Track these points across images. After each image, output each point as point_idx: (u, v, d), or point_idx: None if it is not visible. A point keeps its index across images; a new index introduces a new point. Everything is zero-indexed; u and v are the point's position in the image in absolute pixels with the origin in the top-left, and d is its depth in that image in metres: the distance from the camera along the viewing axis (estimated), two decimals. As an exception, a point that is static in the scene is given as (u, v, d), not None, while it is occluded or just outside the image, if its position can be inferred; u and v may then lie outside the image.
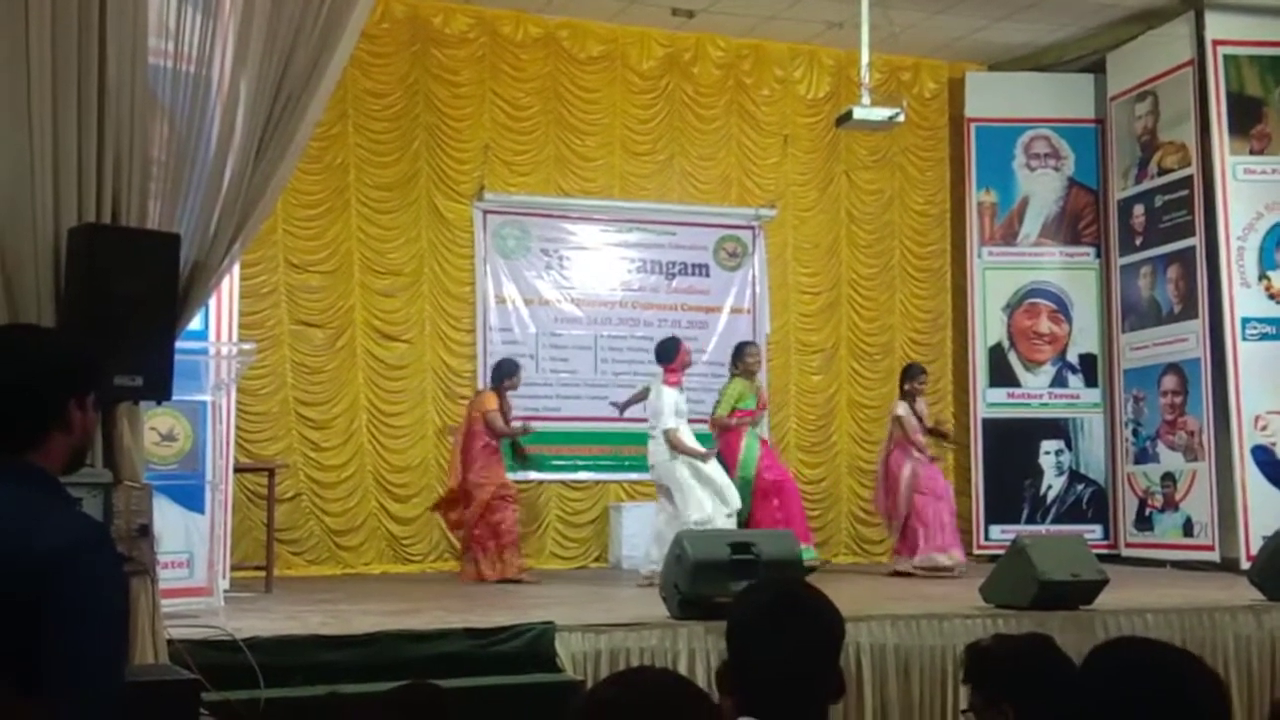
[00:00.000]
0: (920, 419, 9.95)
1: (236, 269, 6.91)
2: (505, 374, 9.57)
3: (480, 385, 10.32)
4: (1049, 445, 11.72)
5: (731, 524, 8.70)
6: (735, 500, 8.83)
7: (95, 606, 2.15)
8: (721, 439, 9.28)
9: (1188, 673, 2.06)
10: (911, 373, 10.10)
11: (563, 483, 10.87)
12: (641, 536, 9.78)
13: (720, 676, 2.33)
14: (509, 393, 9.53)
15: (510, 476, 9.51)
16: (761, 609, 2.40)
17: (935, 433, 10.16)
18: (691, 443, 8.90)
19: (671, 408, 8.90)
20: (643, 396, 9.36)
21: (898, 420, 9.91)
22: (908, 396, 9.95)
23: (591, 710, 1.65)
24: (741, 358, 9.53)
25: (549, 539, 10.76)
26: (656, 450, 8.96)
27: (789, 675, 2.28)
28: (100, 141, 4.70)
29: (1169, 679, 2.04)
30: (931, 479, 9.84)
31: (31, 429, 2.31)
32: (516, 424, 9.53)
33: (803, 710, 2.29)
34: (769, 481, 9.28)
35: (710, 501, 8.74)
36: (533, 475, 10.49)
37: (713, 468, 8.89)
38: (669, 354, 9.17)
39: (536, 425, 9.75)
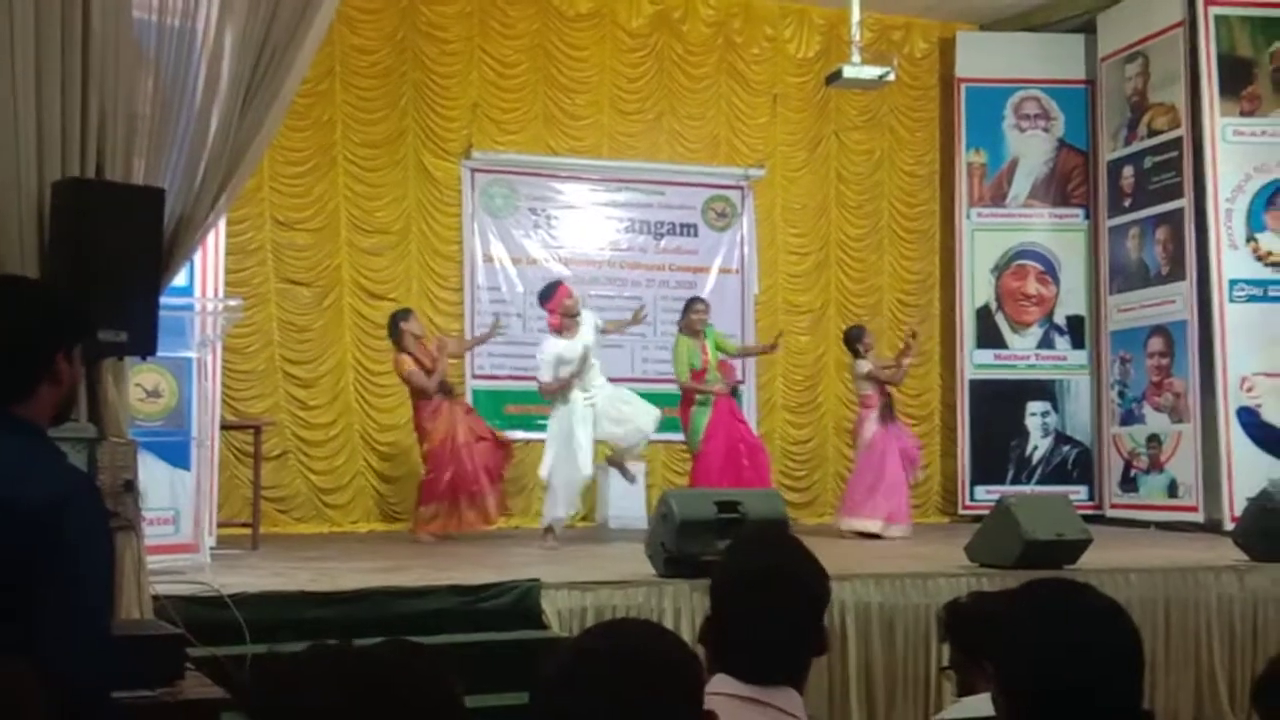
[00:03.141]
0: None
1: (222, 226, 6.89)
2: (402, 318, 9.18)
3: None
4: (1035, 406, 11.76)
5: (575, 494, 8.76)
6: (586, 469, 8.61)
7: (85, 555, 2.17)
8: (681, 407, 9.25)
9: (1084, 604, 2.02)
10: (858, 334, 9.94)
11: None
12: (629, 496, 9.81)
13: (702, 630, 2.34)
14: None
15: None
16: (746, 571, 2.39)
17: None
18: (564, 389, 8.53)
19: (553, 361, 8.58)
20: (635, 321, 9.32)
21: (869, 377, 9.79)
22: (862, 358, 9.82)
23: (574, 660, 1.65)
24: (685, 314, 9.39)
25: (535, 498, 10.74)
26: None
27: (770, 636, 2.27)
28: (85, 95, 4.66)
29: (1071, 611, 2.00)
30: (882, 444, 9.69)
31: (21, 381, 2.32)
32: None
33: (780, 669, 2.28)
34: (718, 448, 9.07)
35: (553, 462, 8.60)
36: (519, 435, 10.47)
37: (582, 430, 8.59)
38: (545, 295, 8.95)
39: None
